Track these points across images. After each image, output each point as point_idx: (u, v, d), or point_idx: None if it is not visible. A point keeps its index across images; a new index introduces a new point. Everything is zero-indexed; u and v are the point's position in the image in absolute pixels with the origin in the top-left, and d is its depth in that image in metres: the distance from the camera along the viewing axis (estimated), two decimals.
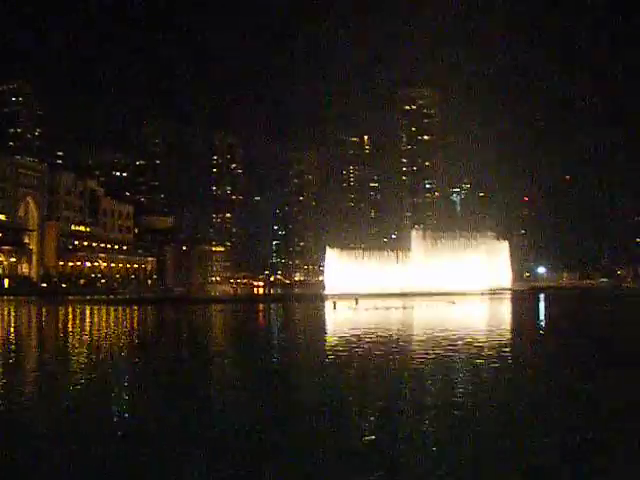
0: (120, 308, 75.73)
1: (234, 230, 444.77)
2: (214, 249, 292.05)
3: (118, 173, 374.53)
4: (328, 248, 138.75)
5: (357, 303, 74.98)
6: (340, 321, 53.96)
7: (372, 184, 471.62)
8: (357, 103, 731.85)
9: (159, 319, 61.05)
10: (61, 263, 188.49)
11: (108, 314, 64.58)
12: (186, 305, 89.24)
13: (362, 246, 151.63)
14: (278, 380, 21.54)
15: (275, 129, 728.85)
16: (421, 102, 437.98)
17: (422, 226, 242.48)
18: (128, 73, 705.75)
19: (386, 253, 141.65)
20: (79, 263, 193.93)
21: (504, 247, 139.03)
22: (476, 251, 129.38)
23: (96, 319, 58.38)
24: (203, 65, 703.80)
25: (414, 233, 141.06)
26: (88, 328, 47.79)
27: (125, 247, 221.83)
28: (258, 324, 53.97)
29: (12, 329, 48.40)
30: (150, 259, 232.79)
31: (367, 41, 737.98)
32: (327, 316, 60.60)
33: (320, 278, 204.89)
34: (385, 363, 24.08)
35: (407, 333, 38.53)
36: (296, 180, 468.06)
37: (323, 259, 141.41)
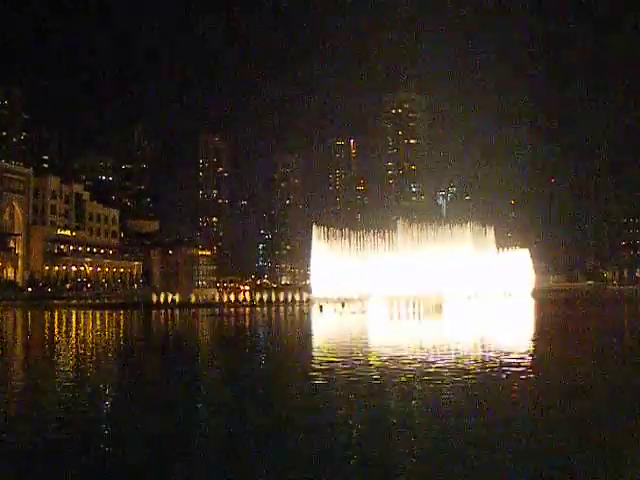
0: (106, 313, 75.57)
1: (220, 234, 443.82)
2: (200, 253, 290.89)
3: (104, 177, 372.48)
4: (315, 227, 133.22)
5: (343, 307, 75.32)
6: (326, 326, 54.15)
7: (358, 187, 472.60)
8: (343, 107, 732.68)
9: (146, 324, 60.94)
10: (47, 267, 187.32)
11: (94, 319, 64.46)
12: (174, 309, 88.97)
13: (347, 227, 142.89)
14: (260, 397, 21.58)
15: (261, 133, 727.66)
16: (407, 106, 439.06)
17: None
18: (115, 75, 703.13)
19: (372, 234, 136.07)
20: (65, 267, 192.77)
21: (490, 234, 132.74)
22: (462, 240, 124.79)
23: (82, 324, 58.26)
24: (190, 68, 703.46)
25: (400, 224, 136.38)
26: (74, 333, 47.72)
27: (111, 251, 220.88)
28: (245, 330, 53.97)
29: None
30: (136, 263, 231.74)
31: (354, 45, 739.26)
32: (313, 320, 60.76)
33: (307, 282, 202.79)
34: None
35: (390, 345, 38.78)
36: (282, 184, 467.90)
37: (309, 263, 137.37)
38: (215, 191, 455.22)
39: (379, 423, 16.32)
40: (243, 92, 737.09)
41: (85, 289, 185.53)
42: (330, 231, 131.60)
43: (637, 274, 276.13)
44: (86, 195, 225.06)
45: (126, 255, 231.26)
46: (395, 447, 14.30)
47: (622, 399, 19.60)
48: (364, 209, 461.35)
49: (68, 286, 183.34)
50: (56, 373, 25.45)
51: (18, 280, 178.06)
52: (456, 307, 76.29)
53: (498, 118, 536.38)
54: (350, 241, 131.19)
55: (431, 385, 21.03)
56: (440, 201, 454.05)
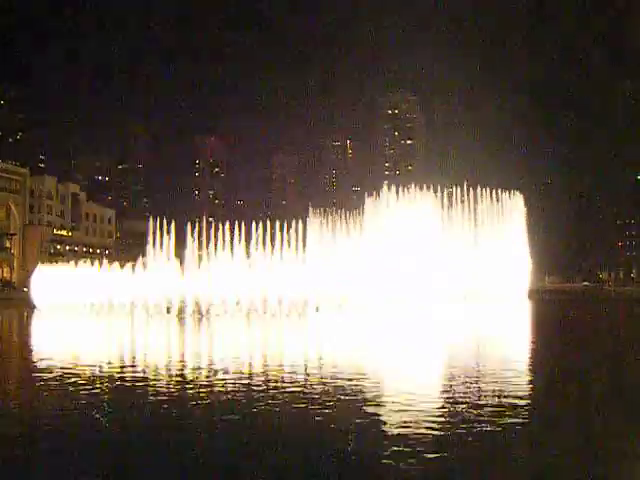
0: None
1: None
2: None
3: (100, 177, 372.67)
4: (310, 208, 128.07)
5: (340, 306, 75.44)
6: (318, 329, 54.38)
7: (354, 188, 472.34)
8: (340, 107, 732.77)
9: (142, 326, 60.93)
10: None
11: (91, 320, 64.48)
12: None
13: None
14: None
15: (257, 133, 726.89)
16: (403, 106, 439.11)
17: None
18: (110, 76, 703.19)
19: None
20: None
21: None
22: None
23: (79, 325, 58.32)
24: (185, 67, 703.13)
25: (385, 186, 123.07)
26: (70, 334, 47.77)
27: (107, 251, 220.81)
28: (239, 331, 54.06)
29: None
30: (132, 264, 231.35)
31: (351, 45, 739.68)
32: (307, 321, 60.91)
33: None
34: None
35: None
36: (278, 184, 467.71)
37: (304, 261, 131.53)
38: (211, 191, 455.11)
39: None
40: (238, 92, 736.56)
41: None
42: (326, 212, 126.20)
43: (633, 275, 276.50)
44: (82, 195, 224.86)
45: (122, 255, 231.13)
46: None
47: None
48: (360, 210, 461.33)
49: None
50: None
51: (14, 280, 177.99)
52: (450, 311, 75.80)
53: (495, 119, 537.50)
54: (346, 224, 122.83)
55: None
56: None
